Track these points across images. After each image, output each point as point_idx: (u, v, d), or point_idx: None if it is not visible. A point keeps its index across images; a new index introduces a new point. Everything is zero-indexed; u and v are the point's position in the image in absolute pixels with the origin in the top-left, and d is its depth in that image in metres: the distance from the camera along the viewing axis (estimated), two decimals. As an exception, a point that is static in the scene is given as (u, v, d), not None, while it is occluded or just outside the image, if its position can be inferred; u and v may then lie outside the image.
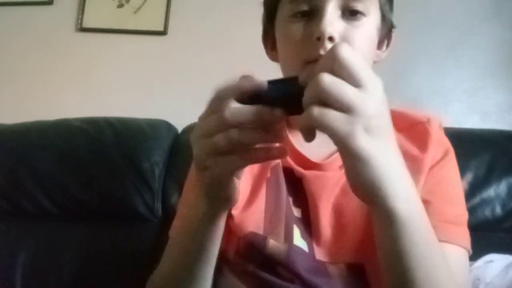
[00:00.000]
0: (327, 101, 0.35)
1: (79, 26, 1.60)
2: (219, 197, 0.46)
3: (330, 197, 0.61)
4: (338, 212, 0.61)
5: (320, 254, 0.59)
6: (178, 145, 1.10)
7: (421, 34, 1.41)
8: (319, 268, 0.58)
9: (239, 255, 0.61)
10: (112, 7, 1.60)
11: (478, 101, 1.40)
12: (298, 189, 0.63)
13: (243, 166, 0.43)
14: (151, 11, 1.57)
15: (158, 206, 1.03)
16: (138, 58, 1.56)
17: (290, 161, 0.65)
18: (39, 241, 1.00)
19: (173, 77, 1.49)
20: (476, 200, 0.94)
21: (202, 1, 1.57)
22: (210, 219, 0.49)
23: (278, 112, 0.38)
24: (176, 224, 0.67)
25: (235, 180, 0.45)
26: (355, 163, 0.38)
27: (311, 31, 0.56)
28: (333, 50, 0.36)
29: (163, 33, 1.56)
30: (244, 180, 0.63)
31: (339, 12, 0.57)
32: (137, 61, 1.56)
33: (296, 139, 0.65)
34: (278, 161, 0.65)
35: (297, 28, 0.59)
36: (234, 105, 0.39)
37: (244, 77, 0.40)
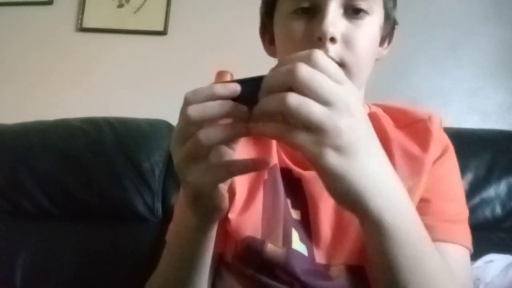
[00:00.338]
0: (293, 121, 0.34)
1: (79, 26, 1.60)
2: (206, 208, 0.45)
3: (329, 198, 0.60)
4: (338, 212, 0.60)
5: (320, 257, 0.59)
6: (178, 145, 1.09)
7: (421, 34, 1.41)
8: (319, 271, 0.58)
9: (237, 258, 0.60)
10: (112, 7, 1.60)
11: (478, 101, 1.40)
12: (296, 190, 0.62)
13: (225, 178, 0.41)
14: (151, 11, 1.57)
15: (158, 206, 1.03)
16: (138, 58, 1.56)
17: (287, 161, 0.64)
18: (39, 241, 1.00)
19: (173, 77, 1.50)
20: (476, 200, 0.94)
21: (202, 1, 1.57)
22: (199, 231, 0.48)
23: (242, 107, 0.37)
24: (171, 228, 0.66)
25: (221, 189, 0.44)
26: (329, 180, 0.37)
27: (312, 30, 0.55)
28: (298, 68, 0.34)
29: (163, 33, 1.56)
30: (241, 182, 0.63)
31: (341, 10, 0.55)
32: (137, 61, 1.56)
33: None
34: (276, 162, 0.64)
35: (298, 26, 0.57)
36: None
37: (219, 74, 0.40)
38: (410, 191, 0.54)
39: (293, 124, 0.35)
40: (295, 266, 0.56)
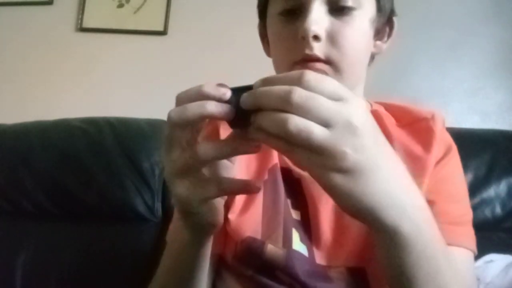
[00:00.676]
0: (294, 143, 0.33)
1: (79, 26, 1.60)
2: (197, 224, 0.43)
3: (330, 198, 0.59)
4: (338, 214, 0.59)
5: (320, 258, 0.58)
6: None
7: (421, 34, 1.41)
8: (319, 272, 0.57)
9: (237, 259, 0.59)
10: (112, 7, 1.60)
11: (478, 101, 1.40)
12: (296, 191, 0.62)
13: (214, 196, 0.40)
14: (151, 11, 1.57)
15: (158, 206, 1.03)
16: (138, 58, 1.56)
17: (287, 161, 0.63)
18: (39, 241, 1.00)
19: (173, 77, 1.49)
20: (476, 200, 0.94)
21: (202, 1, 1.57)
22: (193, 245, 0.48)
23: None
24: (171, 228, 0.66)
25: (215, 203, 0.42)
26: (335, 197, 0.36)
27: (297, 30, 0.55)
28: (292, 93, 0.33)
29: (163, 33, 1.56)
30: None
31: (326, 8, 0.55)
32: (137, 61, 1.56)
33: None
34: (276, 161, 0.63)
35: (284, 26, 0.57)
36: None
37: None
38: None
39: (296, 144, 0.33)
40: (295, 267, 0.56)
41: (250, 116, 0.35)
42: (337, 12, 0.55)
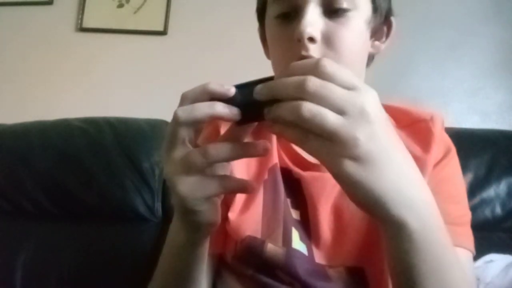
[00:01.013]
0: (308, 129, 0.34)
1: (79, 26, 1.61)
2: (196, 224, 0.43)
3: (329, 199, 0.60)
4: (337, 214, 0.59)
5: (319, 257, 0.58)
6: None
7: (421, 34, 1.42)
8: (319, 271, 0.57)
9: (237, 258, 0.60)
10: (112, 7, 1.60)
11: (478, 101, 1.40)
12: (296, 191, 0.62)
13: (216, 193, 0.41)
14: (151, 11, 1.57)
15: (158, 206, 1.03)
16: (138, 58, 1.56)
17: (287, 161, 0.63)
18: (39, 241, 1.00)
19: (173, 77, 1.50)
20: (476, 200, 0.94)
21: (202, 1, 1.57)
22: (190, 246, 0.48)
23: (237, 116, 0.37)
24: (170, 229, 0.66)
25: (214, 202, 0.43)
26: (346, 187, 0.36)
27: (293, 32, 0.55)
28: (307, 81, 0.34)
29: (163, 33, 1.56)
30: None
31: (321, 10, 0.55)
32: (137, 61, 1.56)
33: None
34: (276, 161, 0.63)
35: (280, 29, 0.58)
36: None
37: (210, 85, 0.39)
38: None
39: (310, 131, 0.34)
40: (295, 266, 0.56)
41: (255, 112, 0.37)
42: (332, 14, 0.55)
